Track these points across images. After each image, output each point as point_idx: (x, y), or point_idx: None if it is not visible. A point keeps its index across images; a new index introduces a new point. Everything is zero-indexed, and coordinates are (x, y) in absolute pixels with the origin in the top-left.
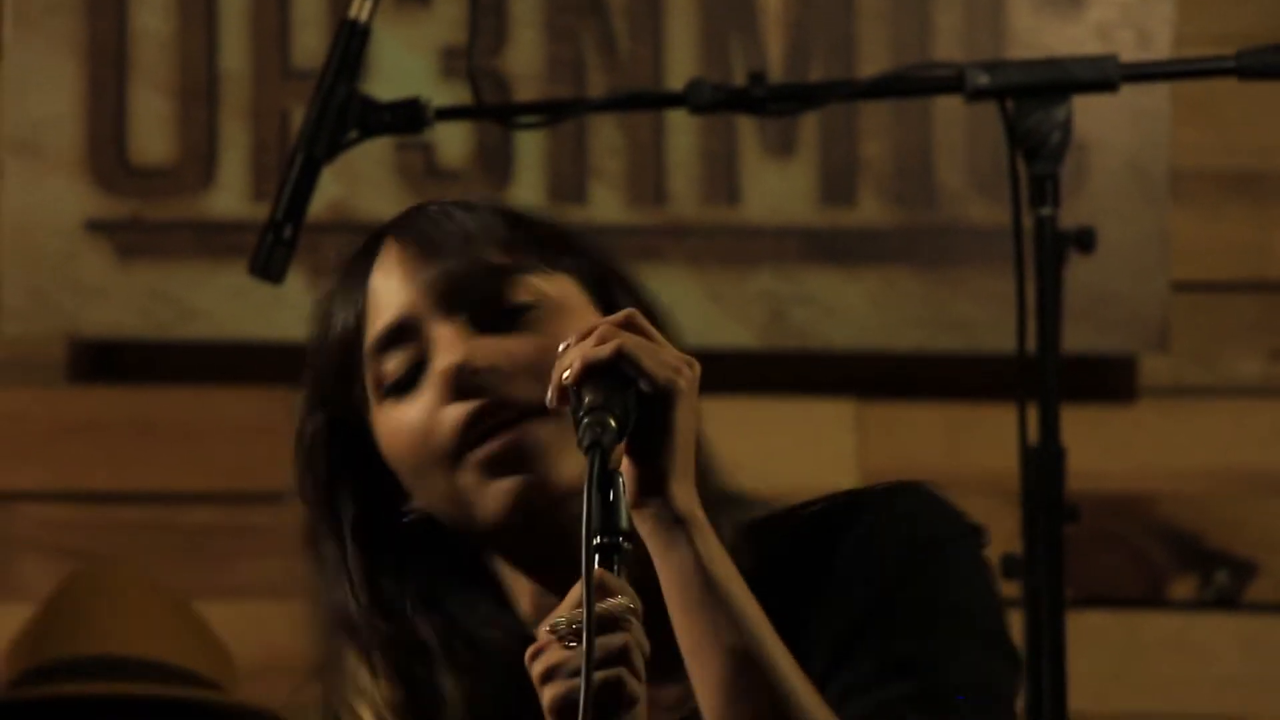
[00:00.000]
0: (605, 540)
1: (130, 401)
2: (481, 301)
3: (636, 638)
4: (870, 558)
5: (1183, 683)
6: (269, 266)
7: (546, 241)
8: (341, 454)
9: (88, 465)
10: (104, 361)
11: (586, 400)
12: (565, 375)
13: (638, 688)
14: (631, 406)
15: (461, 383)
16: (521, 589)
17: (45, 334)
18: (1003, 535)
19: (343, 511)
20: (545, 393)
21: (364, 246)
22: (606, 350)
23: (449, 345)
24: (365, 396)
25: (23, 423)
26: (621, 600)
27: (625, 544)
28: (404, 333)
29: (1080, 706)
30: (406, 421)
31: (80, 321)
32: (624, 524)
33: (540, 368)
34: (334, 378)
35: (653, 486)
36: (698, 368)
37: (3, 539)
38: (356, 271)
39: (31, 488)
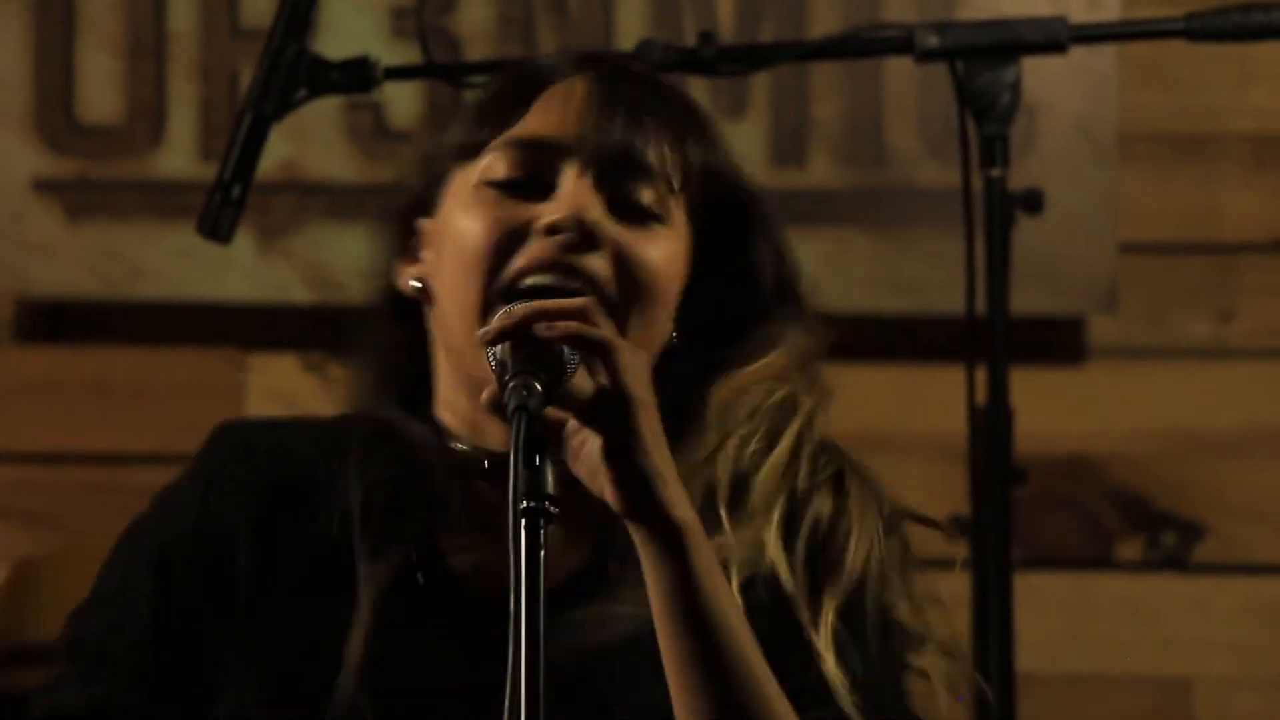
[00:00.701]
0: (531, 504)
1: (79, 361)
2: (627, 184)
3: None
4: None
5: (1130, 643)
6: (217, 226)
7: (707, 167)
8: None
9: (36, 425)
10: (52, 321)
11: (512, 363)
12: (545, 326)
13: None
14: (557, 372)
15: (577, 232)
16: (459, 417)
17: None
18: (951, 496)
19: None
20: (610, 289)
21: (566, 57)
22: (603, 333)
23: (580, 195)
24: (457, 161)
25: None
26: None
27: (552, 508)
28: (546, 150)
29: (1028, 667)
30: (494, 214)
31: (28, 281)
32: (549, 489)
33: (627, 266)
34: (466, 136)
35: (641, 492)
36: (644, 359)
37: None
38: (547, 71)
39: None
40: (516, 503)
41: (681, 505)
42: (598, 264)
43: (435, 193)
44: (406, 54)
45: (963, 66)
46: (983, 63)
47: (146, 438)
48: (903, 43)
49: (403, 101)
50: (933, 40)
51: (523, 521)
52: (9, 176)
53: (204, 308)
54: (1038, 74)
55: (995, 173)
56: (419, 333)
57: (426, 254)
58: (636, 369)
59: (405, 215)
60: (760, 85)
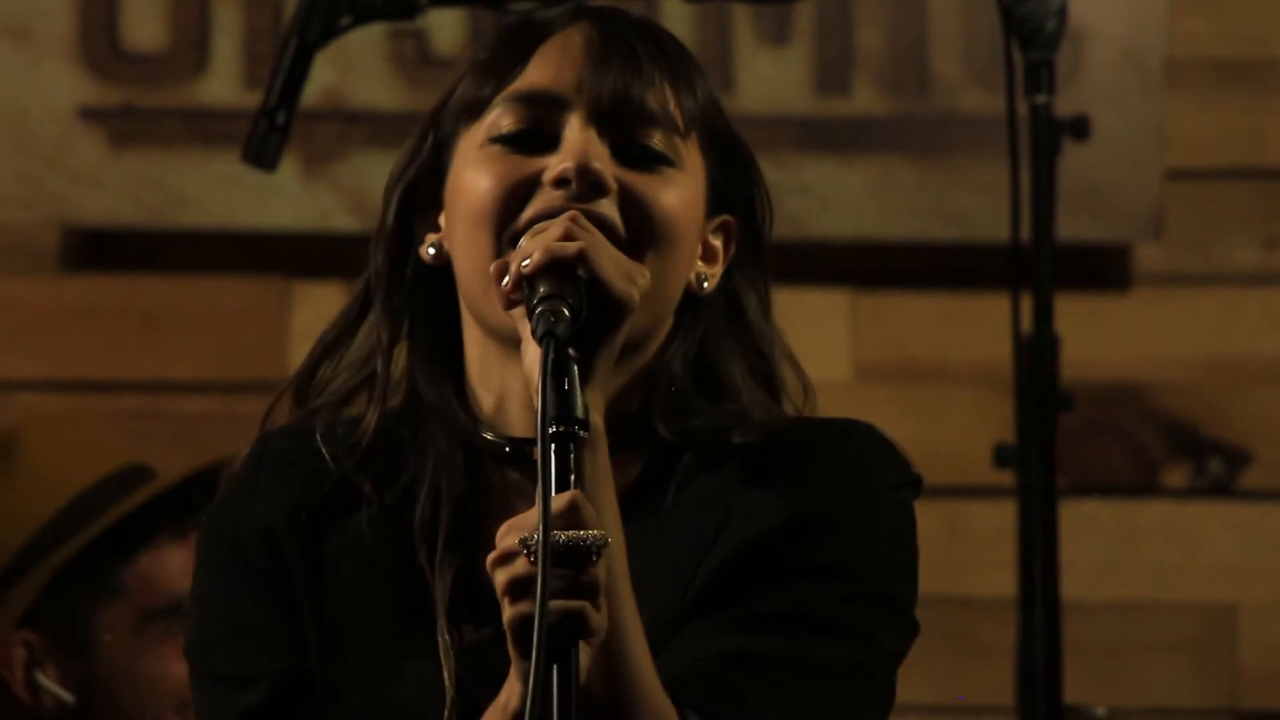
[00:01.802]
0: (561, 429)
1: (123, 289)
2: (632, 131)
3: (603, 572)
4: (792, 503)
5: (1176, 570)
6: (262, 153)
7: (709, 117)
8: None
9: (81, 353)
10: (97, 249)
11: (540, 290)
12: (525, 264)
13: (599, 621)
14: (584, 299)
15: (583, 181)
16: (488, 387)
17: (38, 221)
18: (997, 424)
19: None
20: (621, 234)
21: (562, 10)
22: (571, 249)
23: (585, 145)
24: (464, 122)
25: (16, 311)
26: (597, 532)
27: (581, 432)
28: (548, 103)
29: (1074, 594)
30: (500, 169)
31: (73, 209)
32: (579, 412)
33: (638, 210)
34: (468, 96)
35: None
36: (648, 278)
37: None
38: (543, 25)
39: (26, 376)
40: (545, 427)
41: (595, 412)
42: (606, 209)
43: (445, 157)
44: None
45: None
46: None
47: (190, 365)
48: None
49: (446, 28)
50: None
51: (552, 446)
52: (54, 105)
53: (248, 236)
54: (1086, 0)
55: (1040, 99)
56: (451, 303)
57: (442, 219)
58: (619, 275)
59: (422, 184)
60: (804, 13)
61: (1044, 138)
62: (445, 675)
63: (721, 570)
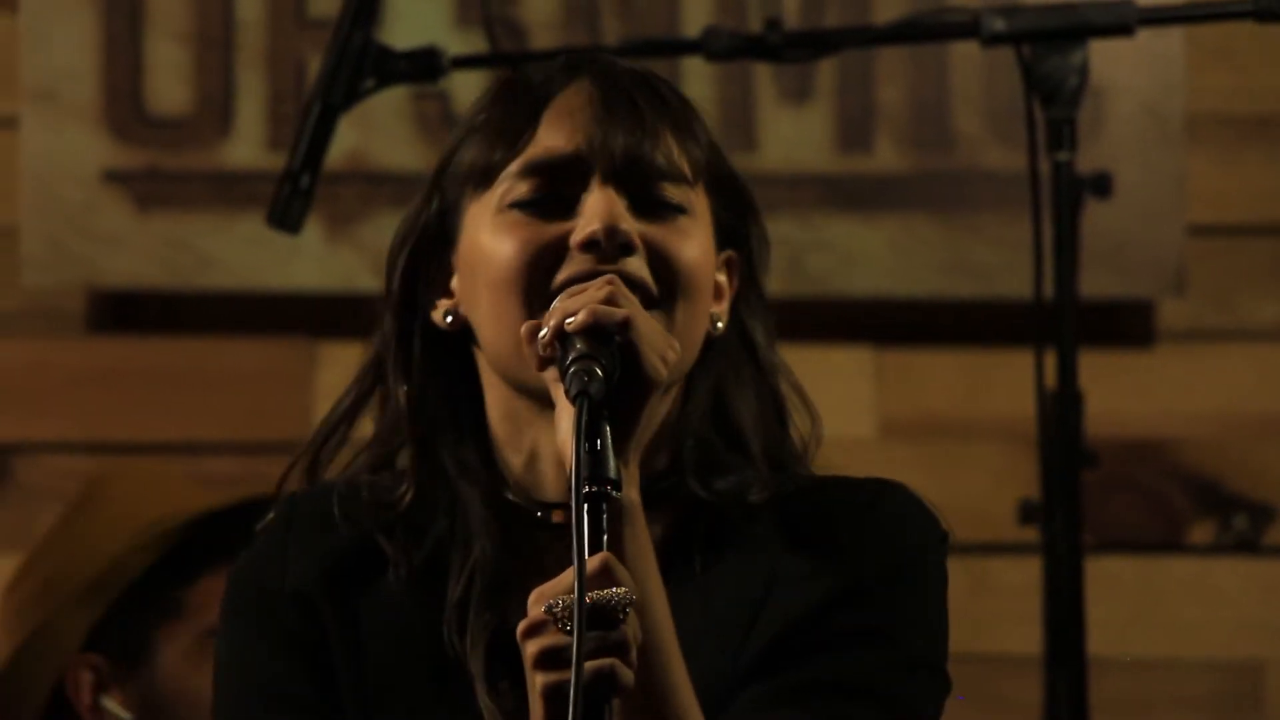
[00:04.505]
0: (594, 489)
1: (149, 351)
2: (646, 185)
3: (633, 628)
4: (837, 569)
5: (1202, 627)
6: (286, 216)
7: (711, 160)
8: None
9: (107, 415)
10: (123, 311)
11: (576, 348)
12: (568, 322)
13: (629, 677)
14: (617, 361)
15: (612, 242)
16: (517, 448)
17: (64, 284)
18: (1021, 481)
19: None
20: (654, 292)
21: (558, 67)
22: (618, 315)
23: (609, 205)
24: (473, 188)
25: (42, 373)
26: (621, 590)
27: (614, 492)
28: (564, 168)
29: (1100, 651)
30: (524, 235)
31: (99, 272)
32: (611, 473)
33: (664, 264)
34: (478, 162)
35: None
36: (679, 352)
37: (24, 489)
38: (543, 84)
39: (52, 438)
40: (579, 487)
41: (631, 486)
42: (636, 267)
43: (452, 223)
44: (471, 42)
45: (1029, 50)
46: (1049, 46)
47: (216, 427)
48: (969, 27)
49: (469, 90)
50: (999, 24)
51: (586, 505)
52: (79, 168)
53: (273, 297)
54: (1105, 57)
55: (1062, 156)
56: (466, 366)
57: (455, 285)
58: (653, 349)
59: (429, 249)
60: (826, 71)
61: (1066, 194)
62: None
63: (775, 641)
